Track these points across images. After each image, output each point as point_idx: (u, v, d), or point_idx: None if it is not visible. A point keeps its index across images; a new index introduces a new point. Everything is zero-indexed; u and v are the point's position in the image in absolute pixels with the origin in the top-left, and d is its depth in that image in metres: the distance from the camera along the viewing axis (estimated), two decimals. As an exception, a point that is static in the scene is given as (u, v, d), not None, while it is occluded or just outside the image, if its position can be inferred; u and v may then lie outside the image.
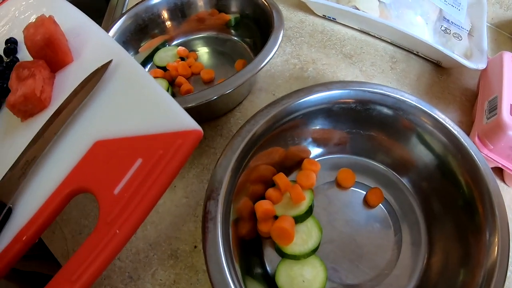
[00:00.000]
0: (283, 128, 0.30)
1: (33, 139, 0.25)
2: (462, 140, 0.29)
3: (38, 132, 0.25)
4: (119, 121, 0.24)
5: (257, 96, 0.37)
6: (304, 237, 0.30)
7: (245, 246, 0.29)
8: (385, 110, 0.31)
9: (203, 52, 0.42)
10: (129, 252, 0.32)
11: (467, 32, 0.43)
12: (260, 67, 0.31)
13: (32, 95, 0.25)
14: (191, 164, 0.35)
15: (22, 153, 0.25)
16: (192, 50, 0.42)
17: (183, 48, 0.41)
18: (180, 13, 0.42)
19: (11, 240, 0.22)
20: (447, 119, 0.30)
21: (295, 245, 0.29)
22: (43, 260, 0.49)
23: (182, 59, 0.40)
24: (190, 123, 0.23)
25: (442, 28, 0.42)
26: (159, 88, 0.24)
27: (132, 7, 0.41)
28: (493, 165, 0.37)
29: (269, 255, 0.31)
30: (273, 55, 0.32)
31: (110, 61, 0.26)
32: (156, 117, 0.24)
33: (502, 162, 0.35)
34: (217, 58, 0.41)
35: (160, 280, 0.31)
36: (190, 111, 0.34)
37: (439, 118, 0.29)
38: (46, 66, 0.28)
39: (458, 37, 0.41)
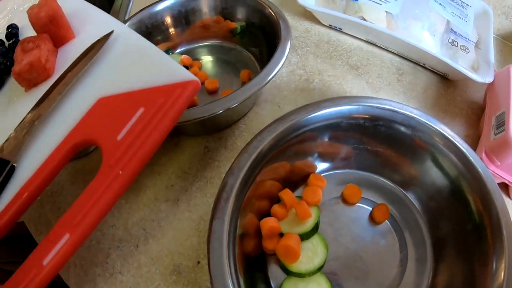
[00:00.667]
0: (290, 143, 0.30)
1: (38, 101, 0.26)
2: (471, 158, 0.28)
3: (43, 95, 0.26)
4: (121, 79, 0.26)
5: (262, 107, 0.37)
6: (310, 254, 0.29)
7: (250, 262, 0.29)
8: (394, 127, 0.30)
9: (207, 60, 0.41)
10: (130, 266, 0.32)
11: (474, 44, 0.43)
12: (266, 81, 0.31)
13: (37, 62, 0.27)
14: (195, 177, 0.35)
15: (28, 113, 0.26)
16: (196, 58, 0.41)
17: (187, 56, 0.40)
18: (184, 20, 0.42)
19: (15, 194, 0.23)
20: (456, 137, 0.29)
21: (301, 263, 0.29)
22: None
23: (186, 67, 0.39)
24: (187, 75, 0.24)
25: (450, 40, 0.41)
26: (156, 49, 0.27)
27: (136, 13, 0.40)
28: (499, 181, 0.37)
29: (274, 272, 0.30)
30: (280, 68, 0.31)
31: (111, 32, 0.28)
32: (156, 73, 0.25)
33: (509, 178, 0.35)
34: (222, 67, 0.41)
35: (162, 295, 0.30)
36: (194, 123, 0.34)
37: (448, 136, 0.29)
38: (50, 39, 0.29)
39: (465, 50, 0.41)
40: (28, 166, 0.24)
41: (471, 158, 0.28)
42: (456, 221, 0.30)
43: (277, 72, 0.31)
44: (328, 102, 0.29)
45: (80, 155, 0.37)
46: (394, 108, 0.30)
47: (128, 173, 0.21)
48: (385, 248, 0.32)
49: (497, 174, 0.35)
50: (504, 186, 0.38)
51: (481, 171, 0.28)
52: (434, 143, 0.30)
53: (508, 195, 0.38)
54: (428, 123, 0.30)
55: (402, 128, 0.30)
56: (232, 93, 0.30)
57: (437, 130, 0.29)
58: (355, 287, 0.30)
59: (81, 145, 0.25)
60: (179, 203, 0.34)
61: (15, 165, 0.24)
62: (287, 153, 0.31)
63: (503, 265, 0.25)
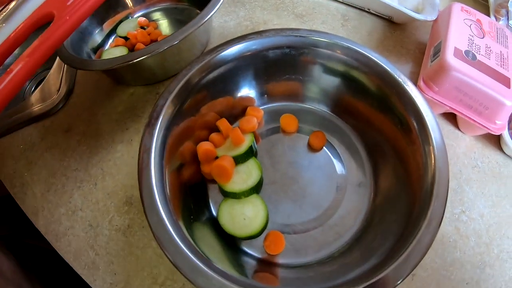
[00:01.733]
0: (222, 75, 0.32)
1: None
2: (390, 71, 0.30)
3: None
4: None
5: (209, 56, 0.39)
6: (244, 176, 0.31)
7: (190, 191, 0.31)
8: (319, 54, 0.32)
9: (163, 21, 0.45)
10: (89, 203, 0.34)
11: (420, -12, 0.44)
12: (202, 22, 0.33)
13: None
14: (147, 119, 0.37)
15: None
16: (152, 20, 0.45)
17: (144, 18, 0.43)
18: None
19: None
20: (379, 56, 0.31)
21: (235, 183, 0.31)
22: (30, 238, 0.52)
23: (143, 28, 0.43)
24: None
25: (392, -16, 0.43)
26: None
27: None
28: (442, 110, 0.37)
29: (214, 197, 0.32)
30: (217, 9, 0.34)
31: None
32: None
33: (450, 104, 0.35)
34: (176, 26, 0.44)
35: (116, 225, 0.33)
36: (144, 68, 0.36)
37: (368, 55, 0.30)
38: None
39: (408, -8, 0.42)
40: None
41: (385, 66, 0.29)
42: (386, 133, 0.31)
43: (213, 13, 0.34)
44: (254, 34, 0.32)
45: (49, 114, 0.41)
46: (316, 36, 0.31)
47: (74, 18, 0.25)
48: (323, 173, 0.33)
49: (437, 100, 0.35)
50: (452, 117, 0.38)
51: (397, 77, 0.29)
52: (351, 62, 0.31)
53: (456, 126, 0.38)
54: (351, 46, 0.31)
55: (326, 55, 0.32)
56: (170, 35, 0.33)
57: (351, 47, 0.30)
58: (292, 210, 0.31)
59: (40, 21, 0.27)
60: (133, 142, 0.36)
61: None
62: (222, 85, 0.33)
63: (432, 162, 0.26)
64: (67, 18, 0.25)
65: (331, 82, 0.33)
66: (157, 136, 0.27)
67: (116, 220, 0.33)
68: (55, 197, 0.36)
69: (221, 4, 0.35)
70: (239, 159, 0.31)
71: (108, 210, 0.34)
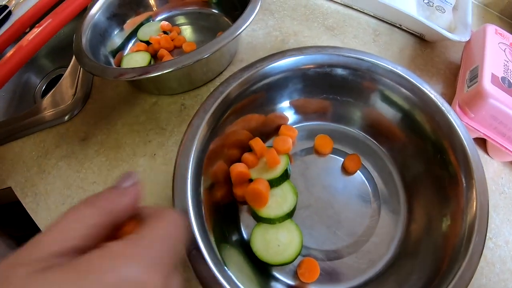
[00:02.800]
0: (258, 92, 0.30)
1: None
2: (434, 97, 0.29)
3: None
4: None
5: (237, 66, 0.38)
6: (279, 200, 0.30)
7: (221, 212, 0.29)
8: (360, 75, 0.31)
9: (186, 27, 0.43)
10: (109, 219, 0.33)
11: (452, 6, 0.43)
12: (236, 34, 0.32)
13: None
14: (171, 132, 0.36)
15: None
16: (175, 24, 0.43)
17: (167, 22, 0.41)
18: (164, -11, 0.43)
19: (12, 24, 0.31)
20: (421, 81, 0.30)
21: (270, 208, 0.29)
22: None
23: (166, 33, 0.41)
24: None
25: (425, 1, 0.42)
26: None
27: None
28: (475, 136, 0.37)
29: (245, 220, 0.31)
30: (251, 21, 0.32)
31: None
32: None
33: (483, 131, 0.35)
34: (200, 32, 0.42)
35: (139, 245, 0.31)
36: (169, 78, 0.34)
37: (402, 74, 0.29)
38: None
39: (441, 10, 0.41)
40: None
41: (433, 97, 0.29)
42: (426, 165, 0.31)
43: (247, 25, 0.32)
44: (294, 50, 0.30)
45: (63, 120, 0.38)
46: (359, 56, 0.30)
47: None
48: (357, 198, 0.32)
49: (471, 126, 0.35)
50: (482, 142, 0.38)
51: (440, 104, 0.28)
52: (397, 88, 0.30)
53: (486, 151, 0.38)
54: (393, 69, 0.30)
55: (368, 77, 0.30)
56: (202, 47, 0.31)
57: (401, 74, 0.29)
58: (326, 236, 0.30)
59: None
60: (156, 157, 0.34)
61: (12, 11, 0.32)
62: (258, 103, 0.31)
63: (474, 196, 0.26)
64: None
65: (369, 105, 0.32)
66: (192, 158, 0.26)
67: (139, 240, 0.32)
68: (71, 211, 0.34)
69: (255, 15, 0.33)
70: (274, 183, 0.30)
71: (130, 228, 0.32)
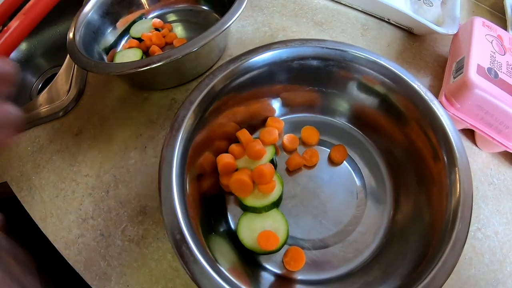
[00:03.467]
0: (244, 84, 0.31)
1: None
2: (417, 87, 0.29)
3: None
4: None
5: (226, 62, 0.38)
6: (265, 189, 0.30)
7: (209, 202, 0.30)
8: (344, 66, 0.31)
9: (178, 23, 0.43)
10: (101, 211, 0.33)
11: (440, 0, 0.43)
12: (224, 28, 0.32)
13: None
14: (162, 126, 0.36)
15: None
16: (167, 22, 0.43)
17: (158, 20, 0.42)
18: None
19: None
20: (405, 72, 0.30)
21: (256, 197, 0.30)
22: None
23: (158, 30, 0.42)
24: None
25: (413, -5, 0.42)
26: None
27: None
28: (462, 126, 0.37)
29: (233, 210, 0.32)
30: (238, 15, 0.33)
31: None
32: None
33: (470, 121, 0.35)
34: (191, 29, 0.43)
35: (129, 235, 0.32)
36: (159, 73, 0.35)
37: (395, 70, 0.30)
38: None
39: (429, 4, 0.42)
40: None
41: (411, 83, 0.29)
42: (410, 153, 0.31)
43: (234, 20, 0.33)
44: (279, 43, 0.31)
45: (58, 116, 0.39)
46: (343, 48, 0.31)
47: None
48: (344, 188, 0.32)
49: (458, 117, 0.35)
50: (470, 133, 0.38)
51: (424, 96, 0.28)
52: (381, 78, 0.30)
53: (474, 143, 0.38)
54: (378, 60, 0.30)
55: (351, 68, 0.31)
56: (190, 41, 0.32)
57: (378, 61, 0.30)
58: (312, 225, 0.31)
59: None
60: (147, 149, 0.35)
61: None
62: (244, 95, 0.32)
63: (457, 184, 0.26)
64: None
65: (354, 95, 0.33)
66: (178, 148, 0.26)
67: (130, 230, 0.32)
68: (64, 203, 0.34)
69: (242, 10, 0.34)
70: (260, 172, 0.30)
71: (121, 219, 0.33)
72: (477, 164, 0.37)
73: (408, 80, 0.30)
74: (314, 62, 0.31)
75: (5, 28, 0.24)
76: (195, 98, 0.28)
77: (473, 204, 0.34)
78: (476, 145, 0.38)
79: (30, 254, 0.38)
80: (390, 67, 0.30)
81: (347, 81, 0.32)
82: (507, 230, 0.34)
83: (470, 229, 0.33)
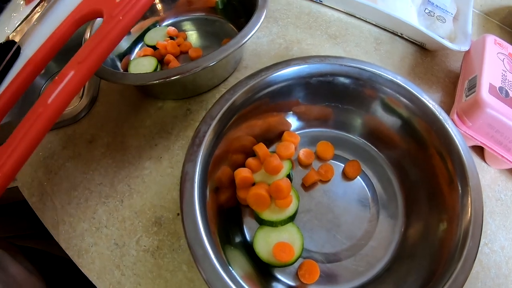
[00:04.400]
0: (263, 99, 0.31)
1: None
2: (432, 107, 0.30)
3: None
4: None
5: (242, 73, 0.39)
6: (282, 204, 0.31)
7: (225, 215, 0.30)
8: (361, 84, 0.32)
9: (192, 32, 0.43)
10: (115, 220, 0.33)
11: (452, 16, 0.44)
12: (242, 42, 0.33)
13: None
14: (177, 136, 0.36)
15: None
16: (181, 30, 0.43)
17: (173, 28, 0.42)
18: (170, -5, 0.44)
19: (23, 65, 0.24)
20: (420, 91, 0.31)
21: (272, 212, 0.30)
22: (37, 239, 0.50)
23: (172, 38, 0.42)
24: None
25: (427, 11, 0.43)
26: None
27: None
28: (472, 143, 0.38)
29: (248, 223, 0.32)
30: (256, 30, 0.33)
31: None
32: None
33: (481, 139, 0.36)
34: (206, 38, 0.43)
35: (144, 246, 0.32)
36: (175, 84, 0.35)
37: (411, 90, 0.30)
38: None
39: (442, 20, 0.42)
40: (35, 45, 0.25)
41: (433, 108, 0.29)
42: (424, 172, 0.32)
43: (253, 33, 0.33)
44: (298, 60, 0.31)
45: (71, 121, 0.39)
46: (361, 66, 0.31)
47: (127, 18, 0.23)
48: (357, 202, 0.33)
49: (469, 135, 0.36)
50: (479, 150, 0.39)
51: (437, 113, 0.29)
52: (397, 97, 0.31)
53: (483, 159, 0.39)
54: (394, 79, 0.31)
55: (369, 86, 0.31)
56: (209, 54, 0.32)
57: (401, 85, 0.30)
58: (326, 239, 0.31)
59: (87, 18, 0.26)
60: (162, 160, 0.35)
61: (21, 46, 0.26)
62: (262, 110, 0.32)
63: (469, 202, 0.27)
64: (120, 17, 0.23)
65: (370, 113, 0.33)
66: (200, 163, 0.27)
67: (144, 241, 0.32)
68: (77, 211, 0.35)
69: (261, 24, 0.34)
70: (277, 187, 0.31)
71: (136, 229, 0.33)
72: (485, 180, 0.38)
73: (424, 100, 0.30)
74: (332, 79, 0.32)
75: (56, 79, 0.21)
76: (215, 113, 0.28)
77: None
78: (485, 161, 0.39)
79: (29, 266, 0.38)
80: (406, 87, 0.31)
81: (364, 99, 0.32)
82: (512, 245, 0.35)
83: (477, 244, 0.35)
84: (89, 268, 0.32)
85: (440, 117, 0.30)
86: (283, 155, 0.32)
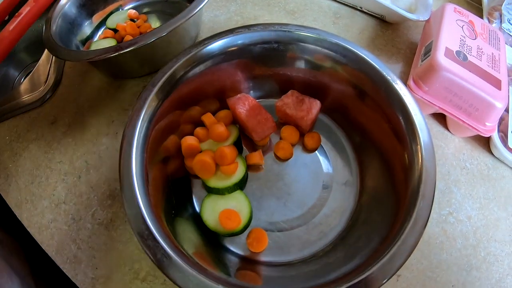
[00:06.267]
0: (208, 68, 0.31)
1: None
2: (378, 67, 0.30)
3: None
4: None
5: (198, 50, 0.39)
6: (229, 171, 0.31)
7: (175, 186, 0.30)
8: (307, 49, 0.31)
9: (153, 15, 0.44)
10: (73, 196, 0.34)
11: (414, -12, 0.44)
12: (191, 14, 0.33)
13: None
14: (132, 112, 0.37)
15: None
16: (143, 13, 0.44)
17: (134, 11, 0.43)
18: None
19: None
20: (365, 51, 0.30)
21: (218, 178, 0.30)
22: None
23: (133, 21, 0.42)
24: None
25: (386, -17, 0.42)
26: None
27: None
28: (432, 110, 0.37)
29: (198, 193, 0.32)
30: (205, 3, 0.34)
31: None
32: None
33: (439, 104, 0.35)
34: (166, 20, 0.42)
35: (99, 219, 0.32)
36: (133, 59, 0.36)
37: (356, 51, 0.30)
38: None
39: (401, -9, 0.42)
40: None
41: (370, 61, 0.29)
42: (375, 134, 0.31)
43: (201, 7, 0.33)
44: (242, 28, 0.31)
45: (36, 105, 0.40)
46: (303, 31, 0.31)
47: None
48: (308, 171, 0.33)
49: (426, 100, 0.35)
50: (441, 118, 0.38)
51: (386, 75, 0.29)
52: (338, 57, 0.31)
53: (446, 128, 0.38)
54: (333, 40, 0.31)
55: (311, 48, 0.31)
56: (158, 27, 0.32)
57: (340, 43, 0.30)
58: (275, 207, 0.31)
59: None
60: (118, 135, 0.36)
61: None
62: (208, 78, 0.32)
63: (420, 161, 0.26)
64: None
65: (318, 78, 0.33)
66: (139, 128, 0.27)
67: (99, 214, 0.33)
68: (39, 189, 0.35)
69: (211, -2, 0.34)
70: (224, 154, 0.31)
71: (91, 203, 0.33)
72: (449, 149, 0.37)
73: (370, 61, 0.30)
74: (277, 46, 0.32)
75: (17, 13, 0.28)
76: (157, 81, 0.29)
77: (445, 188, 0.35)
78: (449, 130, 0.38)
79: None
80: (352, 49, 0.30)
81: (305, 63, 0.32)
82: (480, 215, 0.34)
83: (441, 213, 0.34)
84: (48, 244, 0.32)
85: (388, 77, 0.29)
86: (228, 122, 0.32)
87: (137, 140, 0.26)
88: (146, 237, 0.22)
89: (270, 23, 0.31)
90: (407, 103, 0.28)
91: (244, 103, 0.31)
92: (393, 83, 0.29)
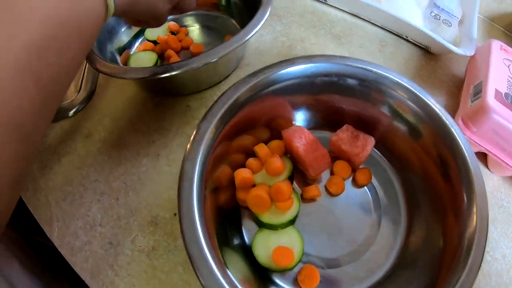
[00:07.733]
0: (266, 98, 0.30)
1: None
2: (438, 111, 0.29)
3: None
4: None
5: (244, 71, 0.38)
6: (282, 206, 0.30)
7: (224, 216, 0.29)
8: (367, 85, 0.31)
9: (194, 28, 0.43)
10: (110, 218, 0.33)
11: (458, 20, 0.43)
12: (246, 39, 0.32)
13: None
14: (175, 133, 0.36)
15: None
16: (183, 25, 0.43)
17: (174, 23, 0.41)
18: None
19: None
20: (426, 94, 0.30)
21: (272, 214, 0.29)
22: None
23: (173, 33, 0.41)
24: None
25: (432, 14, 0.42)
26: None
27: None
28: (476, 150, 0.37)
29: (248, 225, 0.31)
30: (260, 27, 0.32)
31: None
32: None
33: (485, 145, 0.35)
34: (207, 34, 0.42)
35: (139, 246, 0.31)
36: (175, 80, 0.34)
37: (408, 86, 0.30)
38: None
39: (447, 24, 0.42)
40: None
41: (438, 110, 0.29)
42: (428, 178, 0.31)
43: (256, 31, 0.32)
44: (303, 58, 0.30)
45: (66, 115, 0.38)
46: (366, 67, 0.30)
47: None
48: (359, 207, 0.32)
49: (473, 140, 0.35)
50: (482, 156, 0.38)
51: (444, 118, 0.28)
52: (402, 99, 0.30)
53: (486, 165, 0.38)
54: (400, 81, 0.30)
55: (375, 87, 0.31)
56: (210, 50, 0.31)
57: (399, 82, 0.30)
58: (327, 243, 0.31)
59: None
60: (160, 157, 0.34)
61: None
62: (265, 108, 0.31)
63: (474, 210, 0.26)
64: None
65: (375, 115, 0.32)
66: (199, 162, 0.26)
67: (140, 241, 0.31)
68: (71, 207, 0.34)
69: (265, 21, 0.33)
70: (277, 189, 0.30)
71: (131, 228, 0.32)
72: (488, 187, 0.38)
73: (430, 104, 0.30)
74: (337, 79, 0.31)
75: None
76: (217, 111, 0.28)
77: (484, 227, 0.35)
78: (488, 168, 0.38)
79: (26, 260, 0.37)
80: (412, 90, 0.30)
81: (364, 98, 0.32)
82: (513, 254, 0.34)
83: (479, 251, 0.34)
84: (82, 267, 0.31)
85: (447, 122, 0.29)
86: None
87: (196, 175, 0.25)
88: (203, 271, 0.22)
89: (330, 55, 0.30)
90: (464, 150, 0.28)
91: (301, 137, 0.30)
92: (451, 128, 0.29)
